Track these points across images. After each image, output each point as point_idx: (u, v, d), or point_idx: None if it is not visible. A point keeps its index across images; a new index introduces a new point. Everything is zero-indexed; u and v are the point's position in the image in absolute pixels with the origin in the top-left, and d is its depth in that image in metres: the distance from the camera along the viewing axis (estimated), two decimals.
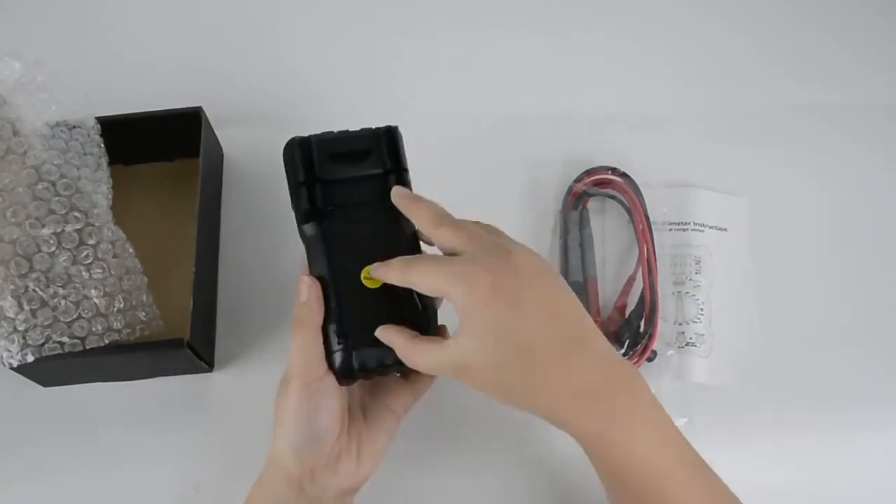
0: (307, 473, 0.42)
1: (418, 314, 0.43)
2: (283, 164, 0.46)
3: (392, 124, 0.48)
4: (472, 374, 0.40)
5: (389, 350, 0.42)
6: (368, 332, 0.40)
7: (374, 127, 0.47)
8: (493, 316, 0.38)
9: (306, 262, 0.45)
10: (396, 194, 0.45)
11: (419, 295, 0.43)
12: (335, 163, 0.46)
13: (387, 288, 0.43)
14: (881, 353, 0.57)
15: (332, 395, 0.42)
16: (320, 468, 0.43)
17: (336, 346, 0.42)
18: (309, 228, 0.45)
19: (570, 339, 0.39)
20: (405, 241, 0.45)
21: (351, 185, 0.46)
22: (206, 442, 0.53)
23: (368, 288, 0.43)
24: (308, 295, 0.43)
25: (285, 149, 0.47)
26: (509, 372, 0.39)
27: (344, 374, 0.42)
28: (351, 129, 0.47)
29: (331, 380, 0.42)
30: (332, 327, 0.42)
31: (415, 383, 0.47)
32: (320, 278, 0.44)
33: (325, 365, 0.42)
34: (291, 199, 0.46)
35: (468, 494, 0.52)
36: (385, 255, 0.43)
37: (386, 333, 0.42)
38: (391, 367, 0.40)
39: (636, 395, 0.40)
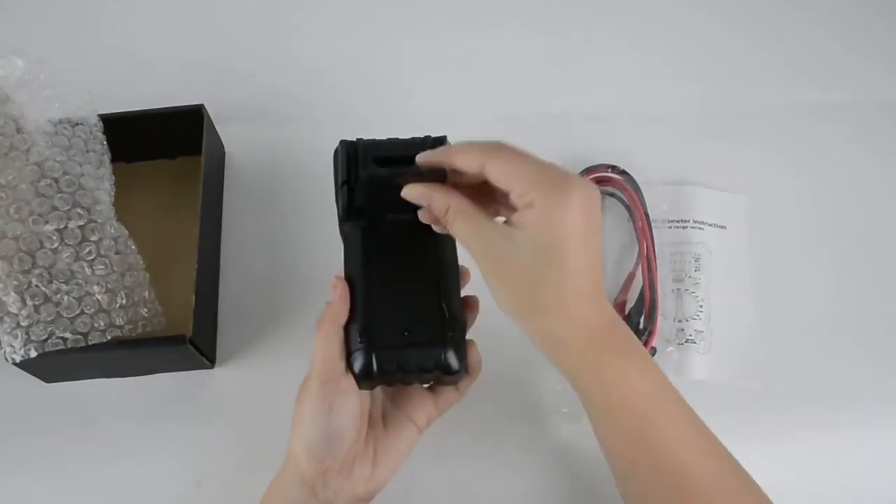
0: (320, 476, 0.42)
1: (444, 322, 0.42)
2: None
3: (442, 134, 0.47)
4: (502, 263, 0.39)
5: (410, 354, 0.41)
6: (391, 335, 0.39)
7: (422, 136, 0.47)
8: (563, 227, 0.38)
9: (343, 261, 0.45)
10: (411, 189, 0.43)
11: (448, 303, 0.43)
12: (379, 166, 0.45)
13: (414, 293, 0.42)
14: (880, 350, 0.57)
15: (351, 397, 0.41)
16: (334, 471, 0.42)
17: (356, 346, 0.41)
18: (347, 227, 0.45)
19: (596, 284, 0.40)
20: (441, 246, 0.44)
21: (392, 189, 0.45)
22: (208, 438, 0.53)
23: (396, 291, 0.42)
24: (334, 294, 0.42)
25: (335, 151, 0.46)
26: (541, 275, 0.39)
27: (363, 375, 0.41)
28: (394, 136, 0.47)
29: (350, 381, 0.41)
30: (355, 327, 0.41)
31: (439, 396, 0.45)
32: (352, 277, 0.43)
33: (343, 364, 0.41)
34: (335, 199, 0.46)
35: (476, 494, 0.52)
36: (419, 260, 0.42)
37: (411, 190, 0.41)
38: (411, 374, 0.39)
39: (633, 342, 0.42)
